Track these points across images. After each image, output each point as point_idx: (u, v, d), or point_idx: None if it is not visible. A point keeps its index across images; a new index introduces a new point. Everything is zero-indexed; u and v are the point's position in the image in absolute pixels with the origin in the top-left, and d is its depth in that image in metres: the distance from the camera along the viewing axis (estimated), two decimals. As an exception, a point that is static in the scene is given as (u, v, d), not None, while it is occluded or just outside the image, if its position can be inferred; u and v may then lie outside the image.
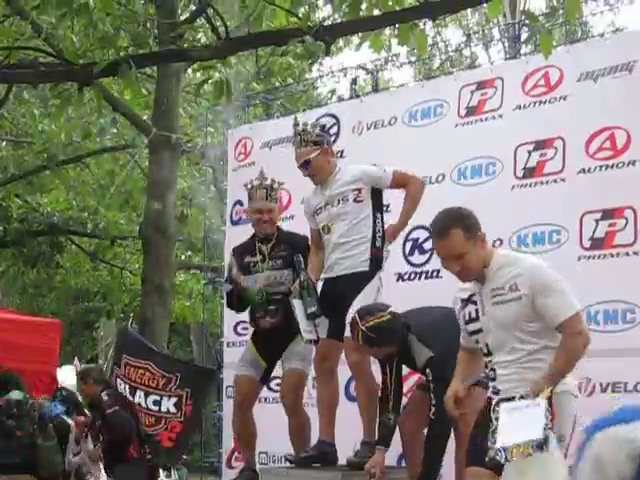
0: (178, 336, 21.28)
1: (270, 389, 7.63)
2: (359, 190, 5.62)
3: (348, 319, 5.41)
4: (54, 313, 17.65)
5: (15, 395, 8.47)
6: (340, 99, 11.07)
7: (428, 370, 5.19)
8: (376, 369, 5.67)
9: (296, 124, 5.87)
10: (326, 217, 5.73)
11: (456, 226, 3.91)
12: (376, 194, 5.70)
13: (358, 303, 5.47)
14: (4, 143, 16.01)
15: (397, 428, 5.46)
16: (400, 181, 5.68)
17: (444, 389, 4.64)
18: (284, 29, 4.19)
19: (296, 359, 6.10)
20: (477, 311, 4.13)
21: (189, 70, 12.00)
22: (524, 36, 8.47)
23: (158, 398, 8.10)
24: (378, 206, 5.70)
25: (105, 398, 7.83)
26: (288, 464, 5.92)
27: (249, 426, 6.42)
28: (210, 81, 5.69)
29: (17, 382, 8.89)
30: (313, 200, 5.89)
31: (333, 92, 14.88)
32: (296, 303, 5.65)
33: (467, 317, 4.36)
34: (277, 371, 7.46)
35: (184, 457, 8.84)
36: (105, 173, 14.90)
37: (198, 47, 3.99)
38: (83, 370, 8.46)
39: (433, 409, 5.08)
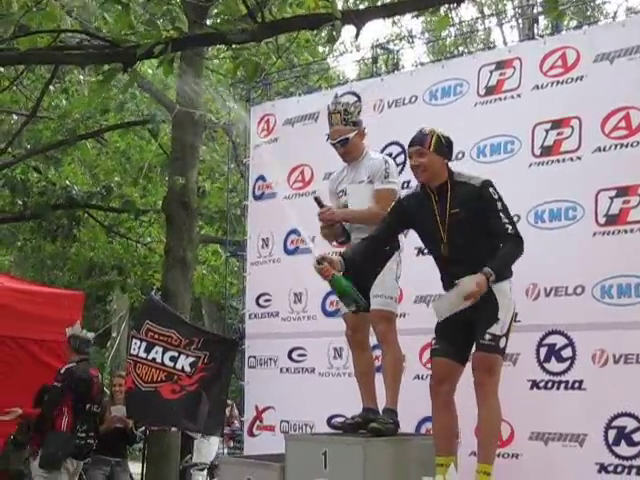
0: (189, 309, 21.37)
1: (291, 359, 7.88)
2: (371, 181, 5.95)
3: (372, 292, 5.77)
4: (67, 286, 17.71)
5: None
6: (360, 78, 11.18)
7: (492, 189, 5.28)
8: (401, 339, 5.93)
9: (338, 102, 6.10)
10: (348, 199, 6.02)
11: None
12: None
13: (380, 279, 5.81)
14: (16, 117, 16.10)
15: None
16: (375, 198, 5.90)
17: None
18: (317, 14, 4.34)
19: None
20: None
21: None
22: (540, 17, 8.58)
23: (176, 354, 8.26)
24: None
25: None
26: (331, 429, 6.11)
27: None
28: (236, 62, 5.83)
29: None
30: (338, 181, 6.19)
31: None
32: None
33: None
34: (299, 342, 7.74)
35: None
36: (124, 147, 15.01)
37: (235, 31, 4.14)
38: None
39: (508, 225, 5.20)
